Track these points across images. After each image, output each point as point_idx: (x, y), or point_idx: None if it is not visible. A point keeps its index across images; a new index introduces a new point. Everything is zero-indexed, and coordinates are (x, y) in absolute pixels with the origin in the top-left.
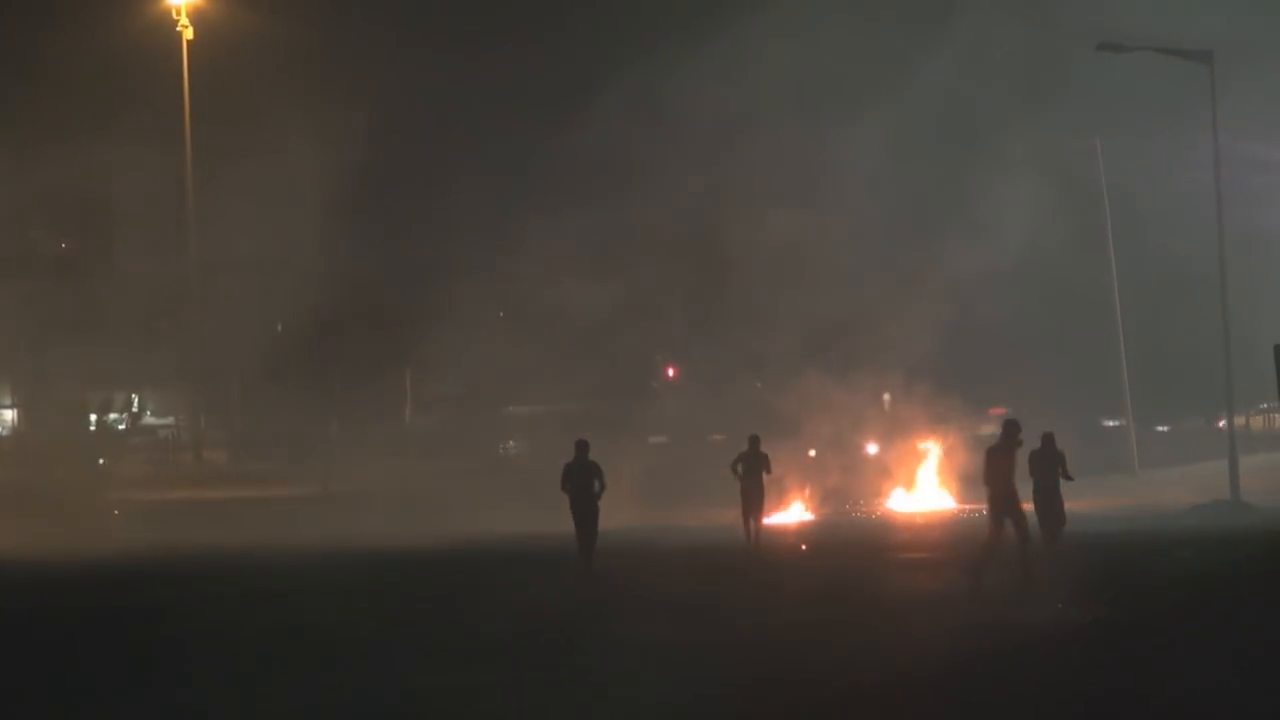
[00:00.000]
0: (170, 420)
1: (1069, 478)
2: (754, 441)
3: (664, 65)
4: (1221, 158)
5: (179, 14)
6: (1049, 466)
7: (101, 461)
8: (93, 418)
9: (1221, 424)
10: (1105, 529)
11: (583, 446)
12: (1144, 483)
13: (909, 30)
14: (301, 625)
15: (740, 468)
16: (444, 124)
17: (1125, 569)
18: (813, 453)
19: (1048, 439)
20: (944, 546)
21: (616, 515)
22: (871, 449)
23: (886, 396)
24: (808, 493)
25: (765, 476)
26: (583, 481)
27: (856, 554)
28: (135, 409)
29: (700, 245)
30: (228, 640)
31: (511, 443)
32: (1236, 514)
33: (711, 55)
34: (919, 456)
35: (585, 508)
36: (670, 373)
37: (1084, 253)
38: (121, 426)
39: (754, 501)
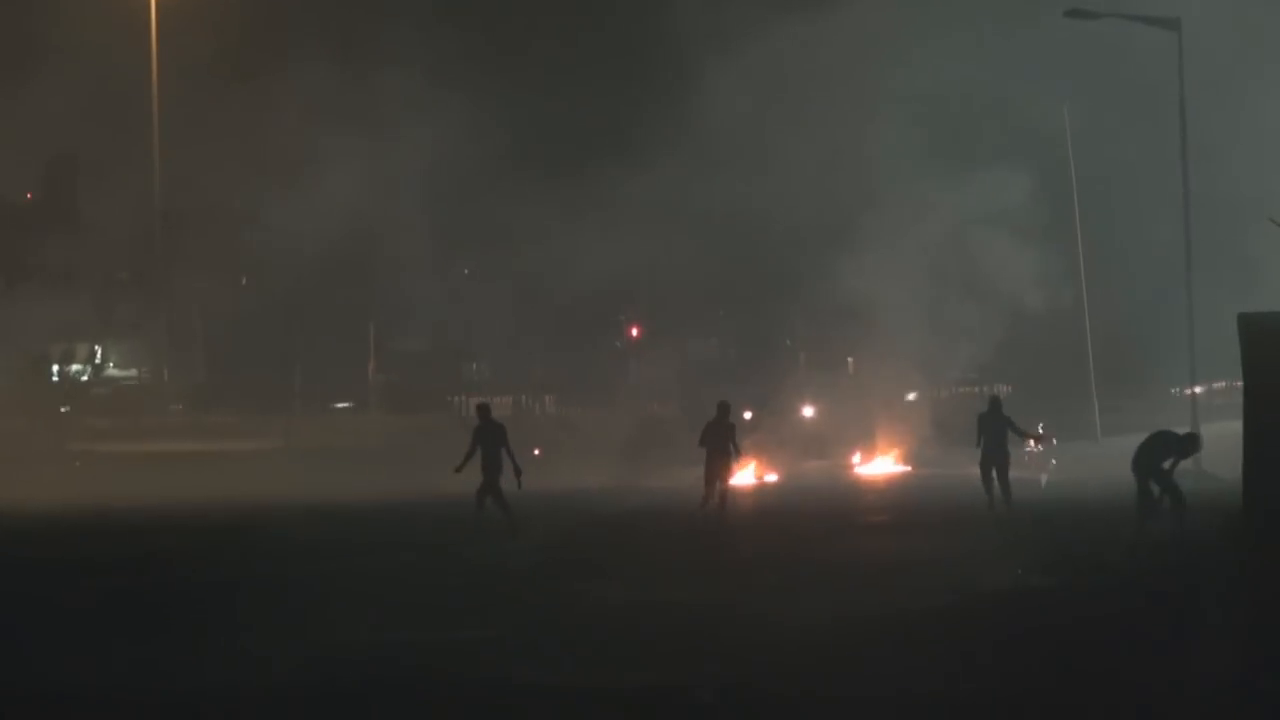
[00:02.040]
0: (133, 372)
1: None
2: (722, 409)
3: (641, 36)
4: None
5: None
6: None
7: (64, 410)
8: (55, 368)
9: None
10: (1065, 495)
11: (484, 409)
12: (1106, 450)
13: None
14: (255, 580)
15: (707, 441)
16: (420, 79)
17: (1085, 536)
18: (748, 415)
19: (995, 402)
20: (905, 509)
21: (582, 476)
22: (807, 410)
23: (850, 360)
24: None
25: (732, 450)
26: (491, 442)
27: (824, 517)
28: (98, 360)
29: (671, 207)
30: (180, 595)
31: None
32: (1198, 483)
33: (689, 27)
34: (876, 419)
35: (492, 466)
36: (634, 332)
37: (1052, 221)
38: (84, 378)
39: (717, 474)
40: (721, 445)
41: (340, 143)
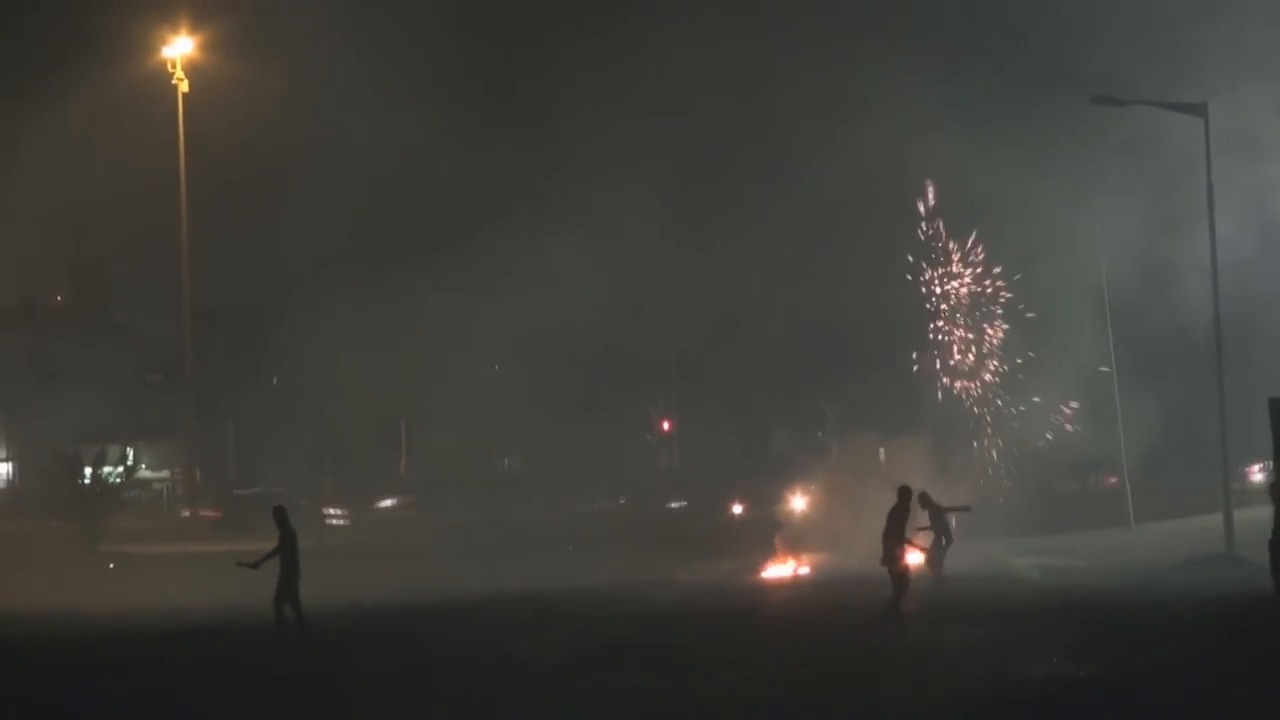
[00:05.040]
0: (165, 473)
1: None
2: (903, 495)
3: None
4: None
5: (174, 67)
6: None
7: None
8: (88, 470)
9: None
10: (1100, 583)
11: (281, 513)
12: (1139, 536)
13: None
14: (286, 679)
15: (888, 529)
16: (432, 176)
17: (1119, 623)
18: (738, 509)
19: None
20: (932, 600)
21: (612, 570)
22: (798, 503)
23: (882, 451)
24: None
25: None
26: (289, 548)
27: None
28: (131, 462)
29: (700, 301)
30: (215, 693)
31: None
32: (1231, 568)
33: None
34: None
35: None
36: (665, 426)
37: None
38: (117, 480)
39: (896, 561)
40: (898, 532)
41: (369, 240)
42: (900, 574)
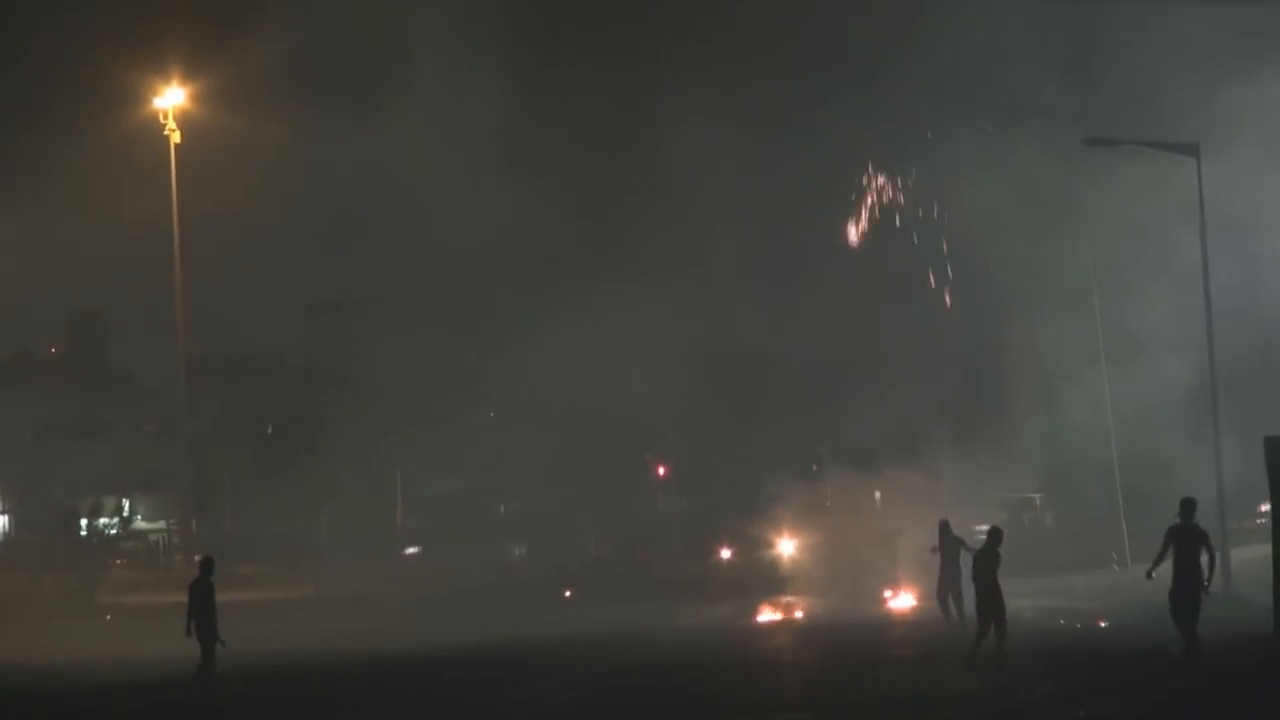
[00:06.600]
0: (161, 524)
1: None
2: (993, 537)
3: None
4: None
5: (166, 117)
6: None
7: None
8: (84, 522)
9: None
10: (1104, 622)
11: (207, 564)
12: (1137, 577)
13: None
14: None
15: (977, 573)
16: (439, 214)
17: (1117, 664)
18: (726, 554)
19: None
20: (933, 642)
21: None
22: (786, 546)
23: (878, 494)
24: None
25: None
26: (206, 600)
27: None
28: (126, 513)
29: (693, 344)
30: None
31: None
32: (1230, 608)
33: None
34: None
35: (209, 625)
36: (660, 471)
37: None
38: (112, 531)
39: (986, 608)
40: (990, 577)
41: (362, 286)
42: (998, 616)
